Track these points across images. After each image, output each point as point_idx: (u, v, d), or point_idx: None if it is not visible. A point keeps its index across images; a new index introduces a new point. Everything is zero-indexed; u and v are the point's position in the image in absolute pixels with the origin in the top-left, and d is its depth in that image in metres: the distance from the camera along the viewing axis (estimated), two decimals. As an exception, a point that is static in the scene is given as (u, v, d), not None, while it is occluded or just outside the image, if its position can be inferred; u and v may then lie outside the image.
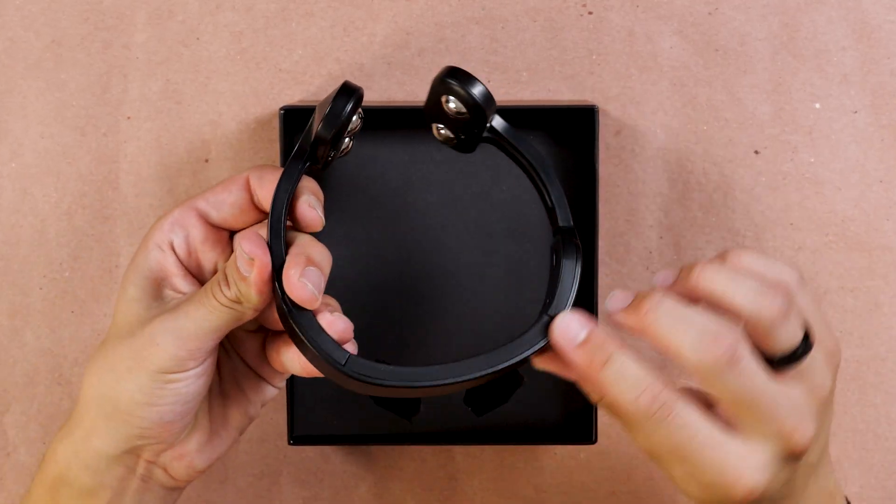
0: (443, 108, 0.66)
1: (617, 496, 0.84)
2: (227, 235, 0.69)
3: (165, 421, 0.66)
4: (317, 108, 0.68)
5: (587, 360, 0.62)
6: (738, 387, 0.60)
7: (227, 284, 0.65)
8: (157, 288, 0.68)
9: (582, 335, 0.63)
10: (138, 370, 0.65)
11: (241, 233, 0.67)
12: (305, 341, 0.63)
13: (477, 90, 0.65)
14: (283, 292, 0.64)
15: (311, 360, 0.65)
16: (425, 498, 0.85)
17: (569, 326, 0.64)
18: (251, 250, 0.64)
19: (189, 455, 0.69)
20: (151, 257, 0.68)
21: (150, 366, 0.65)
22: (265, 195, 0.67)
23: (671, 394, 0.61)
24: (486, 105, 0.65)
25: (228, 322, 0.66)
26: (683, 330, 0.60)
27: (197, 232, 0.68)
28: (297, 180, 0.67)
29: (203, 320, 0.65)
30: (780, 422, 0.60)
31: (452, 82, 0.65)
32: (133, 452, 0.68)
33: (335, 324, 0.64)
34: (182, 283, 0.68)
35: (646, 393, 0.61)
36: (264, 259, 0.64)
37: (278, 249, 0.65)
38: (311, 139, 0.67)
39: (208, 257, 0.69)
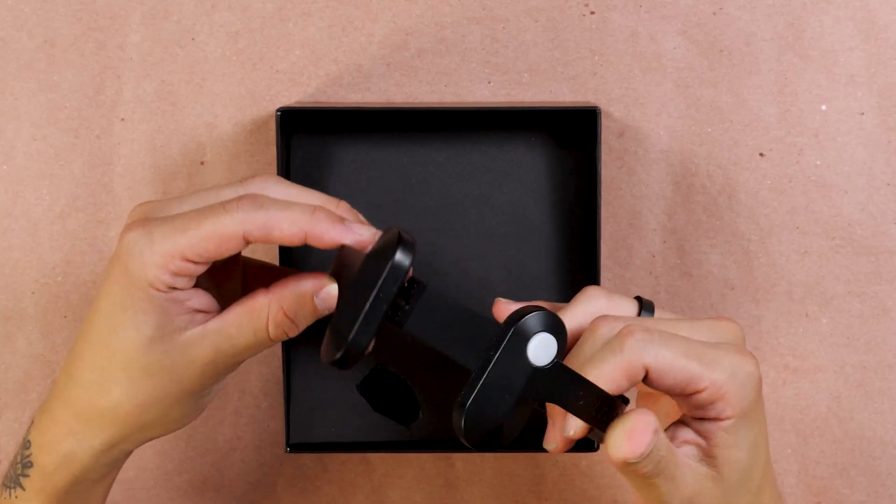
0: None
1: (619, 504, 0.84)
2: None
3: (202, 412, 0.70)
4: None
5: (638, 468, 0.63)
6: None
7: (297, 327, 0.66)
8: (171, 318, 0.66)
9: (649, 450, 0.62)
10: (192, 400, 0.68)
11: (310, 284, 0.66)
12: None
13: None
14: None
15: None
16: (424, 506, 0.85)
17: (645, 451, 0.62)
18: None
19: None
20: (161, 300, 0.65)
21: (206, 393, 0.68)
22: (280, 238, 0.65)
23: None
24: None
25: None
26: None
27: (196, 270, 0.66)
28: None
29: (256, 350, 0.67)
30: None
31: None
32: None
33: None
34: (197, 300, 0.66)
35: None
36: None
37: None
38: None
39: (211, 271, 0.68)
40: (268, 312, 0.66)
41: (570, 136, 0.79)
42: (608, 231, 0.82)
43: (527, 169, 0.79)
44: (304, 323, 0.66)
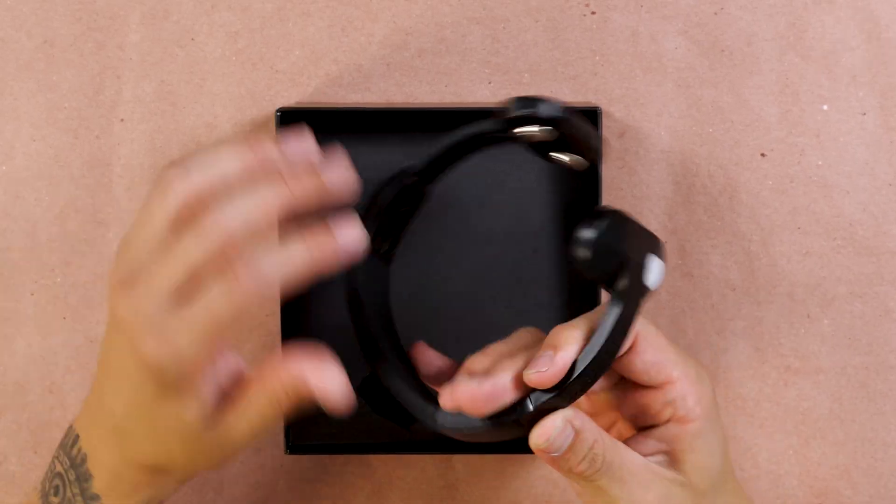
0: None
1: (620, 506, 0.84)
2: None
3: None
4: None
5: (571, 465, 0.63)
6: None
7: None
8: (209, 400, 0.67)
9: (568, 442, 0.63)
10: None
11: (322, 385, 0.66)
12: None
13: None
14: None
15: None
16: (425, 508, 0.84)
17: (551, 435, 0.63)
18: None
19: None
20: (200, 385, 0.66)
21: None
22: None
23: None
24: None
25: None
26: None
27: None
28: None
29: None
30: None
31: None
32: None
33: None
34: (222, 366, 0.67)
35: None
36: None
37: None
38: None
39: None
40: (283, 398, 0.66)
41: (571, 136, 0.78)
42: (609, 232, 0.82)
43: (527, 169, 0.79)
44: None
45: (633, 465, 0.64)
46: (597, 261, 0.62)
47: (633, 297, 0.63)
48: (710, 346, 0.82)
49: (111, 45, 0.81)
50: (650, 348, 0.64)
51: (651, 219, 0.82)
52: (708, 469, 0.65)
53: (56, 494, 0.70)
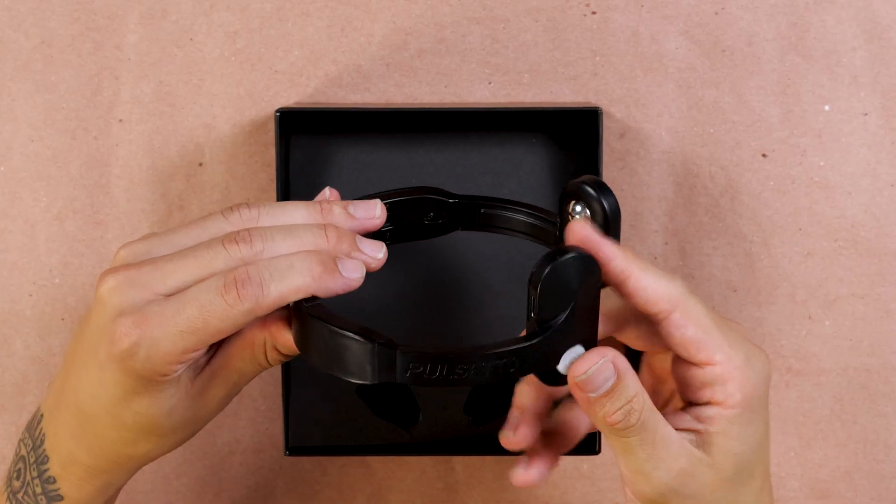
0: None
1: (621, 507, 0.84)
2: None
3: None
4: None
5: (606, 412, 0.63)
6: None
7: (292, 356, 0.67)
8: (182, 379, 0.66)
9: (608, 384, 0.62)
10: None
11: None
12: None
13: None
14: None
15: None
16: (425, 510, 0.84)
17: (590, 369, 0.62)
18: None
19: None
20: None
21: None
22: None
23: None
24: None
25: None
26: None
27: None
28: None
29: (260, 372, 0.69)
30: None
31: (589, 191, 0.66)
32: None
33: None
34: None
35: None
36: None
37: None
38: None
39: None
40: (265, 348, 0.65)
41: (571, 136, 0.78)
42: (609, 233, 0.81)
43: (527, 170, 0.79)
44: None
45: (667, 433, 0.63)
46: (548, 291, 0.61)
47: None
48: (711, 348, 0.82)
49: (109, 45, 0.81)
50: (691, 324, 0.63)
51: (652, 220, 0.81)
52: (736, 456, 0.64)
53: (18, 478, 0.69)
